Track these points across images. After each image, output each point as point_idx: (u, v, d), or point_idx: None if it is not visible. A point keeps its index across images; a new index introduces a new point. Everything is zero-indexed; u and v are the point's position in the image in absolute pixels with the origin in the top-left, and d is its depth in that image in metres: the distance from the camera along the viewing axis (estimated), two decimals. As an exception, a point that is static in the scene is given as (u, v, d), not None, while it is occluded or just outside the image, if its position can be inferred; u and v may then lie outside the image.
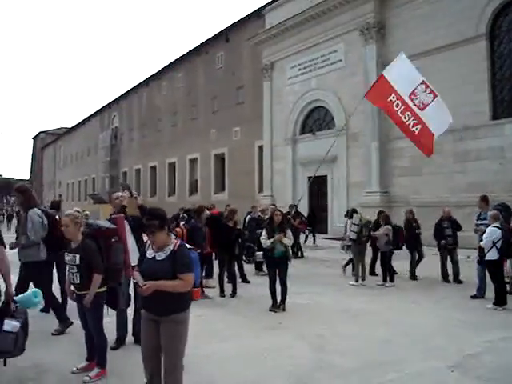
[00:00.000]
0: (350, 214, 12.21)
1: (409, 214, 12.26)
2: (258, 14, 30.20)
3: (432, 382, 4.93)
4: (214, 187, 35.85)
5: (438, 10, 19.63)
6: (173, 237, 4.13)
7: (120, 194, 6.52)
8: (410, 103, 10.17)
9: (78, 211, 5.27)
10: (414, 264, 11.88)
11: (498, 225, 8.62)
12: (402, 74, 10.44)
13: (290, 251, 8.61)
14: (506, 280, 9.18)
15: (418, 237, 11.97)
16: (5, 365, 4.45)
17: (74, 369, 5.16)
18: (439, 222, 11.62)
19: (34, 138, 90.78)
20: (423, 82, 10.48)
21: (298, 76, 26.37)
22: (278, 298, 8.39)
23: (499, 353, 5.84)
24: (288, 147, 27.10)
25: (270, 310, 8.24)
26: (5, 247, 4.62)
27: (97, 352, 5.16)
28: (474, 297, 9.30)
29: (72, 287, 5.15)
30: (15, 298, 4.72)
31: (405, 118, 10.25)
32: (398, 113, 10.24)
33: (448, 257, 11.35)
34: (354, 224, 11.20)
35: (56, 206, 9.04)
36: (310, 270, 13.54)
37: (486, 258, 8.56)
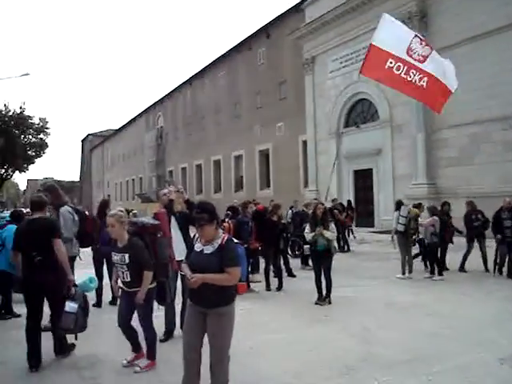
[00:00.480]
0: (398, 206, 12.02)
1: (467, 206, 11.97)
2: (297, 9, 30.07)
3: (481, 373, 4.85)
4: (259, 183, 35.99)
5: (482, -6, 19.08)
6: (221, 231, 4.19)
7: (166, 190, 6.65)
8: (411, 60, 9.25)
9: (122, 210, 5.33)
10: (466, 256, 11.61)
11: None
12: (392, 35, 9.37)
13: (335, 244, 8.58)
14: None
15: (477, 228, 11.53)
16: (76, 339, 5.49)
17: (125, 362, 5.31)
18: (498, 213, 10.94)
19: (83, 141, 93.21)
20: (416, 36, 9.71)
21: (339, 69, 26.14)
22: (324, 292, 8.40)
23: (551, 345, 5.69)
24: (332, 141, 26.91)
25: (316, 304, 8.27)
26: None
27: (147, 345, 5.27)
28: None
29: (120, 284, 5.27)
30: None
31: (410, 77, 9.40)
32: (402, 75, 9.41)
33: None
34: (402, 216, 11.07)
35: (104, 205, 9.27)
36: (357, 264, 13.49)
37: None
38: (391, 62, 9.19)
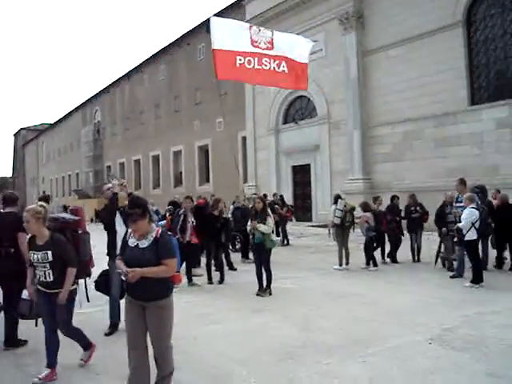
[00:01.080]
0: (335, 199, 12.43)
1: (409, 199, 12.54)
2: (238, 5, 30.25)
3: (411, 352, 5.20)
4: (198, 179, 36.01)
5: (417, -3, 19.88)
6: (153, 225, 4.25)
7: (110, 184, 6.65)
8: (259, 50, 9.09)
9: (43, 206, 4.91)
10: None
11: (474, 206, 8.94)
12: (229, 34, 9.22)
13: (273, 238, 8.72)
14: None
15: (414, 220, 12.17)
16: (36, 325, 5.34)
17: (81, 362, 5.14)
18: (441, 208, 11.21)
19: (15, 135, 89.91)
20: (251, 27, 9.71)
21: (279, 66, 26.48)
22: (265, 283, 8.64)
23: (474, 326, 6.14)
24: (271, 137, 27.32)
25: (257, 295, 8.49)
26: None
27: (79, 342, 5.09)
28: (453, 276, 9.63)
29: (39, 286, 4.86)
30: None
31: (266, 66, 9.21)
32: (256, 67, 9.34)
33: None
34: (338, 209, 11.46)
35: (45, 200, 9.13)
36: (296, 257, 13.86)
37: (466, 238, 8.87)
38: (240, 59, 8.91)
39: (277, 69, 9.24)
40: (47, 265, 4.70)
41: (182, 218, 9.67)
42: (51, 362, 4.80)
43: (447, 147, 18.95)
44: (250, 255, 11.79)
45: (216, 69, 8.77)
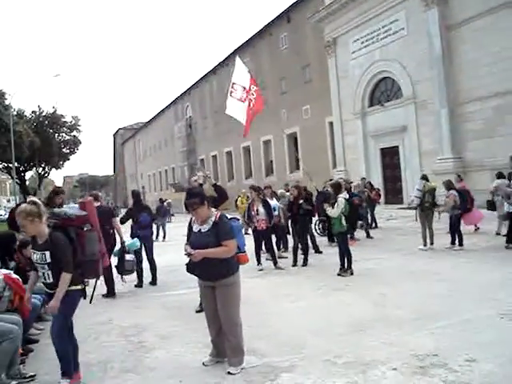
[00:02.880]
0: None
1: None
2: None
3: (481, 326, 5.38)
4: (288, 167, 36.49)
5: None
6: (213, 210, 4.71)
7: (196, 176, 7.23)
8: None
9: (34, 202, 4.47)
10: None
11: None
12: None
13: (342, 221, 8.99)
14: None
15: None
16: (124, 282, 8.65)
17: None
18: None
19: (114, 135, 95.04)
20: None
21: (361, 49, 26.29)
22: (346, 264, 8.97)
23: (550, 302, 6.15)
24: (358, 121, 27.18)
25: (338, 275, 8.87)
26: None
27: (59, 358, 4.48)
28: None
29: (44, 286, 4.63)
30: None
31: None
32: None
33: None
34: (418, 190, 11.48)
35: (137, 195, 10.00)
36: (382, 239, 14.02)
37: None
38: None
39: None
40: (45, 266, 4.38)
41: (247, 206, 10.31)
42: (69, 369, 4.47)
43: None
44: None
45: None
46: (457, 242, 11.18)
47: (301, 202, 10.67)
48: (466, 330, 5.23)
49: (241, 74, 11.86)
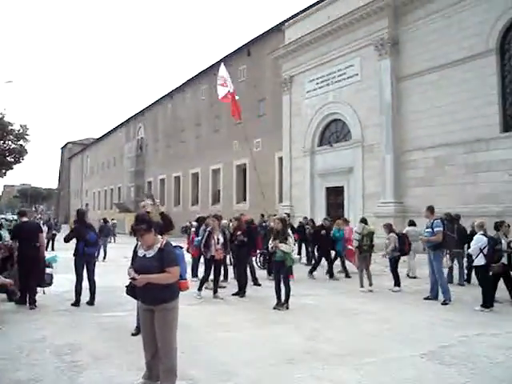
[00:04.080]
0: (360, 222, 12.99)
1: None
2: (278, 29, 31.16)
3: (403, 364, 5.71)
4: (235, 197, 36.77)
5: (451, 25, 20.25)
6: (159, 237, 4.91)
7: (144, 202, 7.37)
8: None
9: None
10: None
11: (482, 232, 9.30)
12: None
13: (293, 256, 9.34)
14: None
15: None
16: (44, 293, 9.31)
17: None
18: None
19: (62, 148, 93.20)
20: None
21: (316, 90, 27.19)
22: (283, 298, 9.20)
23: (469, 345, 6.59)
24: (306, 159, 27.87)
25: (275, 308, 9.09)
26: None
27: None
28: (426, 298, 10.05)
29: None
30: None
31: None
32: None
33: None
34: (356, 232, 11.94)
35: (81, 214, 10.00)
36: (322, 276, 14.31)
37: (474, 263, 9.24)
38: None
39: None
40: None
41: (206, 234, 10.35)
42: None
43: (478, 173, 19.12)
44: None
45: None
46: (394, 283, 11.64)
47: (238, 233, 10.99)
48: (389, 368, 5.54)
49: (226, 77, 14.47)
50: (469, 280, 12.56)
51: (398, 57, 22.58)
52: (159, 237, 4.91)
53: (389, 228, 12.24)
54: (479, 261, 9.19)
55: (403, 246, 12.04)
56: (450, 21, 20.39)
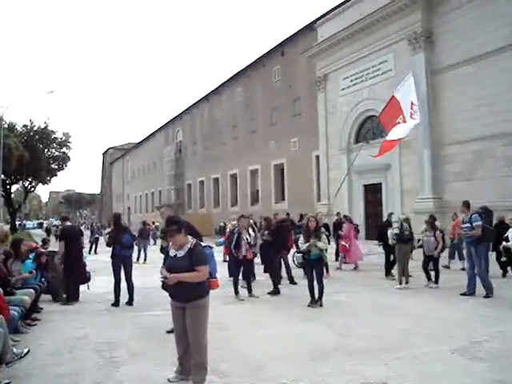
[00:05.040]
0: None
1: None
2: (310, 28, 31.19)
3: (432, 359, 5.73)
4: (274, 197, 36.94)
5: (484, 15, 19.89)
6: (189, 237, 5.10)
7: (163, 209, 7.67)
8: (410, 111, 11.60)
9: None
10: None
11: None
12: (409, 91, 11.76)
13: (326, 254, 9.46)
14: None
15: None
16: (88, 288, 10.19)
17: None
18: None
19: (104, 154, 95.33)
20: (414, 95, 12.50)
21: (350, 87, 27.09)
22: (316, 296, 9.29)
23: (503, 341, 6.52)
24: (343, 156, 27.80)
25: (308, 306, 9.19)
26: None
27: None
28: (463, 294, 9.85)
29: None
30: None
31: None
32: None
33: None
34: (395, 221, 11.85)
35: (117, 218, 10.45)
36: (357, 273, 14.36)
37: None
38: (400, 118, 11.33)
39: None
40: None
41: (236, 235, 10.53)
42: None
43: (519, 166, 18.71)
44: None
45: (384, 111, 12.53)
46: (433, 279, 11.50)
47: (265, 233, 11.22)
48: (418, 363, 5.57)
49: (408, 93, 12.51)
50: (504, 274, 12.38)
51: (432, 50, 22.32)
52: (189, 237, 5.10)
53: (430, 224, 11.97)
54: None
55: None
56: (483, 11, 20.02)
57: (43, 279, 9.50)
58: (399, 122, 11.48)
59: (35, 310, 8.51)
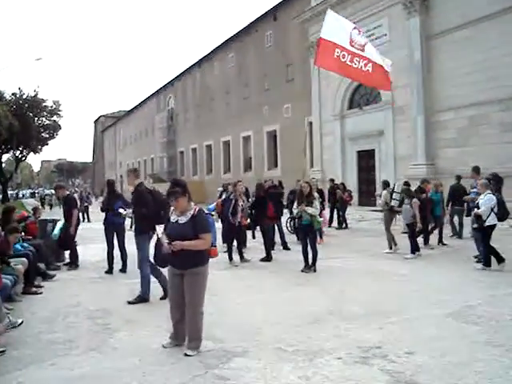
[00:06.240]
0: (384, 185, 12.84)
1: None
2: (305, -10, 30.54)
3: (426, 323, 5.77)
4: (267, 163, 36.82)
5: (483, -24, 19.46)
6: (192, 203, 5.01)
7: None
8: (354, 49, 10.77)
9: None
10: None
11: (489, 192, 9.12)
12: (336, 28, 11.01)
13: (319, 219, 9.44)
14: None
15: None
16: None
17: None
18: None
19: (95, 122, 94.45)
20: (355, 28, 11.15)
21: (344, 52, 26.67)
22: (310, 261, 9.32)
23: (495, 304, 6.58)
24: (336, 122, 27.63)
25: (302, 271, 9.24)
26: None
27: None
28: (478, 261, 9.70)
29: None
30: None
31: (355, 64, 10.84)
32: (347, 62, 10.82)
33: None
34: (396, 192, 11.67)
35: (110, 185, 10.44)
36: (351, 239, 14.42)
37: (486, 223, 9.02)
38: (338, 51, 10.77)
39: (363, 68, 10.95)
40: None
41: (233, 202, 10.47)
42: None
43: (515, 132, 18.63)
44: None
45: (317, 56, 10.95)
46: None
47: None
48: (412, 327, 5.62)
49: (335, 28, 10.91)
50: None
51: (428, 14, 21.92)
52: (192, 203, 5.00)
53: (405, 192, 11.54)
54: (491, 220, 9.01)
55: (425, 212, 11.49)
56: (482, -29, 19.57)
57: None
58: (339, 55, 10.88)
59: (39, 275, 8.64)
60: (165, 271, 6.91)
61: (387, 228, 11.84)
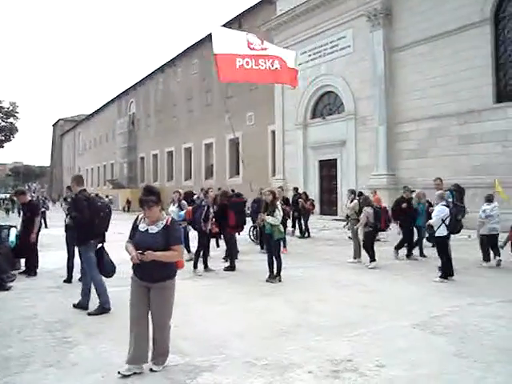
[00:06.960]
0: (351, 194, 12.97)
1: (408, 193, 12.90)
2: (269, 1, 30.69)
3: (393, 335, 5.72)
4: (229, 171, 36.69)
5: (445, -6, 19.96)
6: (164, 213, 4.80)
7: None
8: (255, 52, 10.57)
9: None
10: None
11: (444, 203, 9.32)
12: (228, 40, 10.76)
13: (281, 228, 9.33)
14: None
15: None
16: None
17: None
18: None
19: (54, 126, 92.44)
20: (247, 33, 11.11)
21: (308, 62, 26.92)
22: (275, 271, 9.21)
23: (461, 315, 6.61)
24: (299, 131, 27.76)
25: (267, 281, 9.10)
26: None
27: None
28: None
29: None
30: None
31: (262, 65, 10.67)
32: (254, 67, 10.50)
33: None
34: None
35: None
36: (314, 248, 14.39)
37: (436, 234, 9.20)
38: (239, 61, 10.54)
39: (271, 67, 10.72)
40: None
41: (205, 208, 10.30)
42: None
43: (471, 145, 19.09)
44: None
45: (219, 72, 10.38)
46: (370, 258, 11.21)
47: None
48: (381, 339, 5.55)
49: (227, 39, 10.55)
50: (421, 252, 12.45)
51: (391, 28, 22.35)
52: (164, 213, 4.80)
53: (366, 201, 11.54)
54: (441, 231, 9.16)
55: (378, 221, 11.15)
56: (443, -11, 20.08)
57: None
58: (242, 63, 10.66)
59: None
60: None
61: (355, 236, 11.83)
